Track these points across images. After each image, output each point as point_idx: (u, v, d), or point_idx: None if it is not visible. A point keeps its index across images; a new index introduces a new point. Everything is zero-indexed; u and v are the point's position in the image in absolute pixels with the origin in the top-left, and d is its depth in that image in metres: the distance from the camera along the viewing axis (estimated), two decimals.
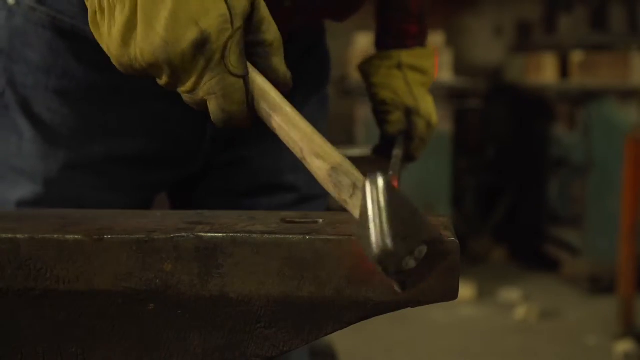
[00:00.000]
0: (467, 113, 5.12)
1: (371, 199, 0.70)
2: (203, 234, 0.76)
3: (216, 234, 0.76)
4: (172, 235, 0.76)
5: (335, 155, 0.80)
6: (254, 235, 0.76)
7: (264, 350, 0.78)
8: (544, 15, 5.71)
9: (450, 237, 0.76)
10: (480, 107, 4.96)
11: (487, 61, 5.87)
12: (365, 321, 0.79)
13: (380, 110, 1.39)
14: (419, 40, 1.40)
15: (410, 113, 1.34)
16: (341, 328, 0.78)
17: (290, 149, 0.81)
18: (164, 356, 0.78)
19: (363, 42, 4.87)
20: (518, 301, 4.25)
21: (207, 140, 1.23)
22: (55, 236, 0.76)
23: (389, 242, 0.68)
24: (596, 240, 4.41)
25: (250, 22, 0.80)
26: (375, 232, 0.69)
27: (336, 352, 2.19)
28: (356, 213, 0.75)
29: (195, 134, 1.22)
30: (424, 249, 0.71)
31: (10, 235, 0.76)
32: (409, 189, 4.53)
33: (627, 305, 3.60)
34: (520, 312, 4.05)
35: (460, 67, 5.27)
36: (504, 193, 5.50)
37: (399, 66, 1.37)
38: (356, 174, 0.78)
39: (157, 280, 0.76)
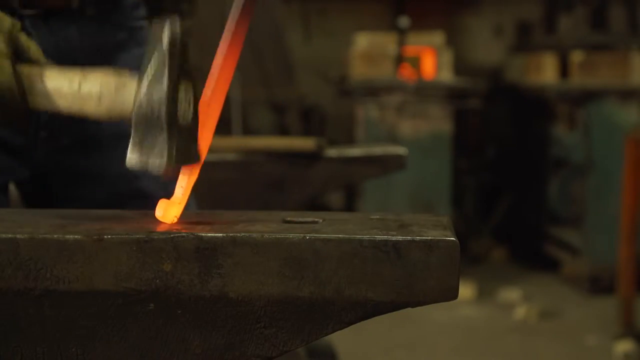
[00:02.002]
0: (467, 113, 5.12)
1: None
2: (203, 234, 0.76)
3: (216, 234, 0.76)
4: (172, 235, 0.76)
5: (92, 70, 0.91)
6: (254, 235, 0.76)
7: (264, 350, 0.78)
8: (544, 15, 5.71)
9: (450, 237, 0.76)
10: (480, 107, 4.95)
11: (487, 61, 5.87)
12: (365, 321, 0.79)
13: None
14: None
15: None
16: (341, 328, 0.78)
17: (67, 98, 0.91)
18: (164, 356, 0.78)
19: (363, 42, 4.87)
20: (518, 301, 4.24)
21: (41, 137, 1.23)
22: (55, 236, 0.76)
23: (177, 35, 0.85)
24: (596, 240, 4.41)
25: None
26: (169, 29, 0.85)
27: (336, 352, 2.19)
28: (133, 86, 0.88)
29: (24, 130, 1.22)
30: (190, 91, 0.86)
31: (10, 235, 0.75)
32: (409, 189, 4.53)
33: (627, 305, 3.60)
34: (520, 312, 4.05)
35: (460, 67, 5.27)
36: (504, 193, 5.49)
37: None
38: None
39: (157, 280, 0.76)
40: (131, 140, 0.86)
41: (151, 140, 0.85)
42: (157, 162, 0.84)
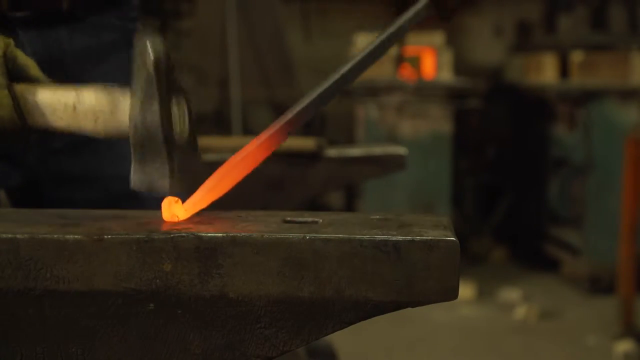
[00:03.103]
0: (467, 113, 5.12)
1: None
2: (203, 234, 0.76)
3: (216, 234, 0.76)
4: (172, 235, 0.76)
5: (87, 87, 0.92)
6: (254, 235, 0.76)
7: (264, 350, 0.78)
8: (544, 15, 5.71)
9: (450, 237, 0.76)
10: (480, 107, 4.95)
11: (487, 61, 5.87)
12: (365, 321, 0.79)
13: None
14: None
15: None
16: (341, 328, 0.78)
17: (59, 113, 0.93)
18: (164, 356, 0.78)
19: (363, 42, 4.87)
20: (518, 301, 4.24)
21: (32, 141, 1.23)
22: (55, 236, 0.76)
23: (162, 51, 0.85)
24: (596, 240, 4.41)
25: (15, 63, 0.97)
26: (152, 45, 0.85)
27: (336, 352, 2.19)
28: (126, 107, 0.89)
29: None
30: (183, 103, 0.87)
31: (10, 235, 0.75)
32: (409, 189, 4.53)
33: (627, 305, 3.60)
34: (520, 312, 4.05)
35: (460, 67, 5.27)
36: (504, 193, 5.49)
37: None
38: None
39: (157, 280, 0.76)
40: (132, 161, 0.87)
41: (151, 160, 0.86)
42: (160, 183, 0.86)
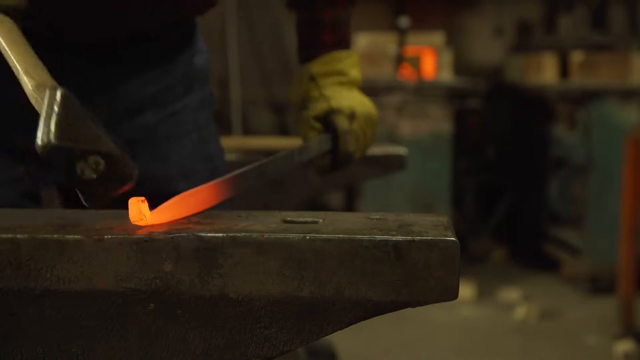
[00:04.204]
0: (467, 113, 5.12)
1: (47, 104, 0.81)
2: (203, 234, 0.76)
3: (216, 234, 0.76)
4: (172, 235, 0.76)
5: (43, 75, 0.91)
6: (254, 235, 0.76)
7: (264, 350, 0.78)
8: (544, 15, 5.71)
9: (450, 237, 0.76)
10: (480, 107, 4.96)
11: (487, 61, 5.87)
12: (365, 321, 0.79)
13: (304, 137, 1.37)
14: (335, 47, 1.38)
15: (327, 115, 1.33)
16: (341, 328, 0.78)
17: (10, 62, 0.94)
18: (164, 356, 0.78)
19: (363, 42, 4.87)
20: (518, 301, 4.25)
21: None
22: (55, 236, 0.76)
23: (52, 137, 0.79)
24: (596, 240, 4.41)
25: None
26: (43, 129, 0.80)
27: (336, 352, 2.19)
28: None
29: None
30: (100, 161, 0.83)
31: (10, 235, 0.75)
32: (409, 189, 4.53)
33: (627, 305, 3.60)
34: (520, 312, 4.05)
35: (460, 67, 5.27)
36: (504, 193, 5.50)
37: (312, 78, 1.37)
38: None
39: (157, 280, 0.76)
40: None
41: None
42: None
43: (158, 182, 1.25)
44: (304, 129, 1.36)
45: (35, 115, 0.88)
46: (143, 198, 0.82)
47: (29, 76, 0.92)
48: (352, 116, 1.33)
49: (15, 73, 0.93)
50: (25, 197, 1.24)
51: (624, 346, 3.47)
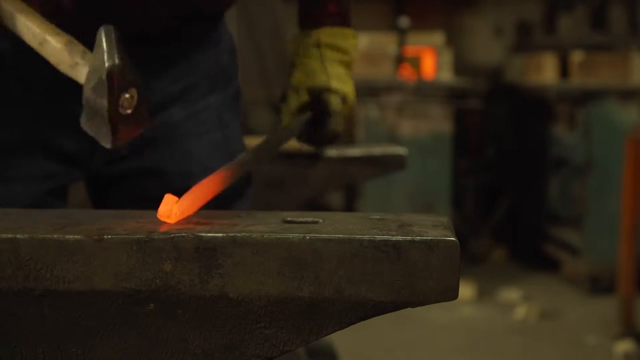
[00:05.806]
0: (467, 113, 5.12)
1: (104, 39, 0.90)
2: (203, 234, 0.76)
3: (216, 234, 0.76)
4: (172, 235, 0.76)
5: (65, 34, 0.98)
6: (254, 235, 0.76)
7: (264, 350, 0.78)
8: (544, 15, 5.71)
9: (450, 237, 0.76)
10: (480, 107, 4.95)
11: (487, 61, 5.87)
12: (365, 321, 0.79)
13: (285, 95, 1.41)
14: (338, 20, 1.40)
15: (322, 91, 1.36)
16: (341, 328, 0.78)
17: (29, 36, 1.00)
18: (164, 356, 0.78)
19: (363, 42, 4.87)
20: (518, 301, 4.24)
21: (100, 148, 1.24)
22: (55, 236, 0.76)
23: (117, 58, 0.89)
24: (596, 240, 4.41)
25: None
26: (108, 53, 0.89)
27: (336, 352, 2.19)
28: (84, 72, 0.94)
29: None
30: (135, 95, 0.91)
31: (10, 235, 0.75)
32: (409, 189, 4.53)
33: (627, 305, 3.60)
34: (520, 312, 4.05)
35: (460, 67, 5.27)
36: (504, 193, 5.49)
37: (317, 45, 1.39)
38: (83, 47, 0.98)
39: (157, 280, 0.76)
40: (83, 111, 0.94)
41: (97, 124, 0.93)
42: (103, 139, 0.94)
43: (179, 179, 1.27)
44: (290, 93, 1.40)
45: (71, 107, 0.95)
46: (176, 198, 0.84)
47: (57, 36, 0.97)
48: (344, 100, 1.38)
49: (39, 41, 0.98)
50: (52, 194, 1.24)
51: (624, 346, 3.47)
